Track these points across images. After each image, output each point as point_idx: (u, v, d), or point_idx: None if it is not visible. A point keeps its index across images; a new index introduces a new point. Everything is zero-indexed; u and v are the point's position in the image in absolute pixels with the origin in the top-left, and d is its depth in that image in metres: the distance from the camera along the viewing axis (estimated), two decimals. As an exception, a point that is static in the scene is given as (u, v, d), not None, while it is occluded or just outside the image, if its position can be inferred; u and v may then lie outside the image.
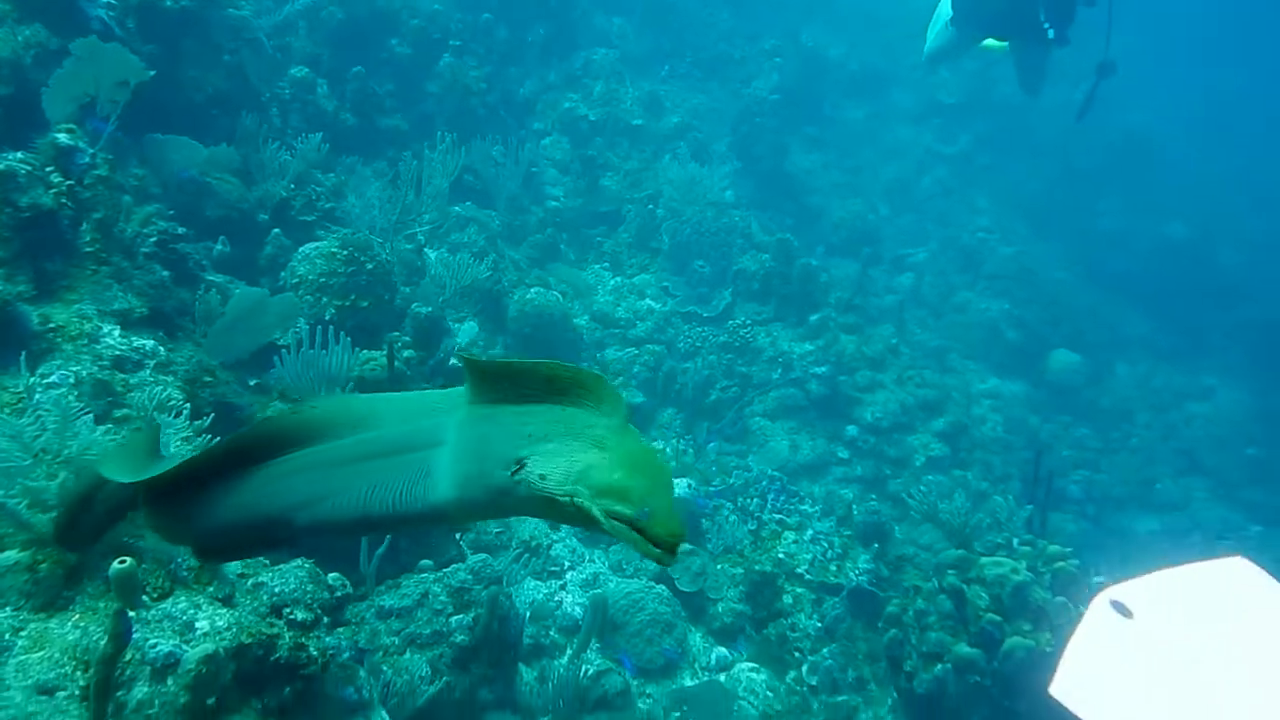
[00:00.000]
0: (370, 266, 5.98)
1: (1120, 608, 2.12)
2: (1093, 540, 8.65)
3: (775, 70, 13.12)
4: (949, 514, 5.93)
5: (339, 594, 4.05)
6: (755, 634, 6.48)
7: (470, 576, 4.99)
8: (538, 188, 10.05)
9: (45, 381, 3.64)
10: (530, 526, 6.42)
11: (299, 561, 3.72)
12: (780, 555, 6.92)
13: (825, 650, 6.33)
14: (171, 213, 5.51)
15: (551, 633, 5.87)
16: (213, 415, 3.95)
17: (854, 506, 7.62)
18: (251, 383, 5.05)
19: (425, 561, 5.14)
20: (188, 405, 3.90)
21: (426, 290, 6.75)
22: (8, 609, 2.79)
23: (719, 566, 6.72)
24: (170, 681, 2.85)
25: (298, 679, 3.30)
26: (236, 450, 2.12)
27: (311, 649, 3.39)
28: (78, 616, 2.86)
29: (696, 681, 5.96)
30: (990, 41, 8.86)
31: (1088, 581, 5.38)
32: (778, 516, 7.31)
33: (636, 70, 12.49)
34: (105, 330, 4.12)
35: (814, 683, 6.16)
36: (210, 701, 2.93)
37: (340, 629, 4.31)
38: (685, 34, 13.69)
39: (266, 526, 2.11)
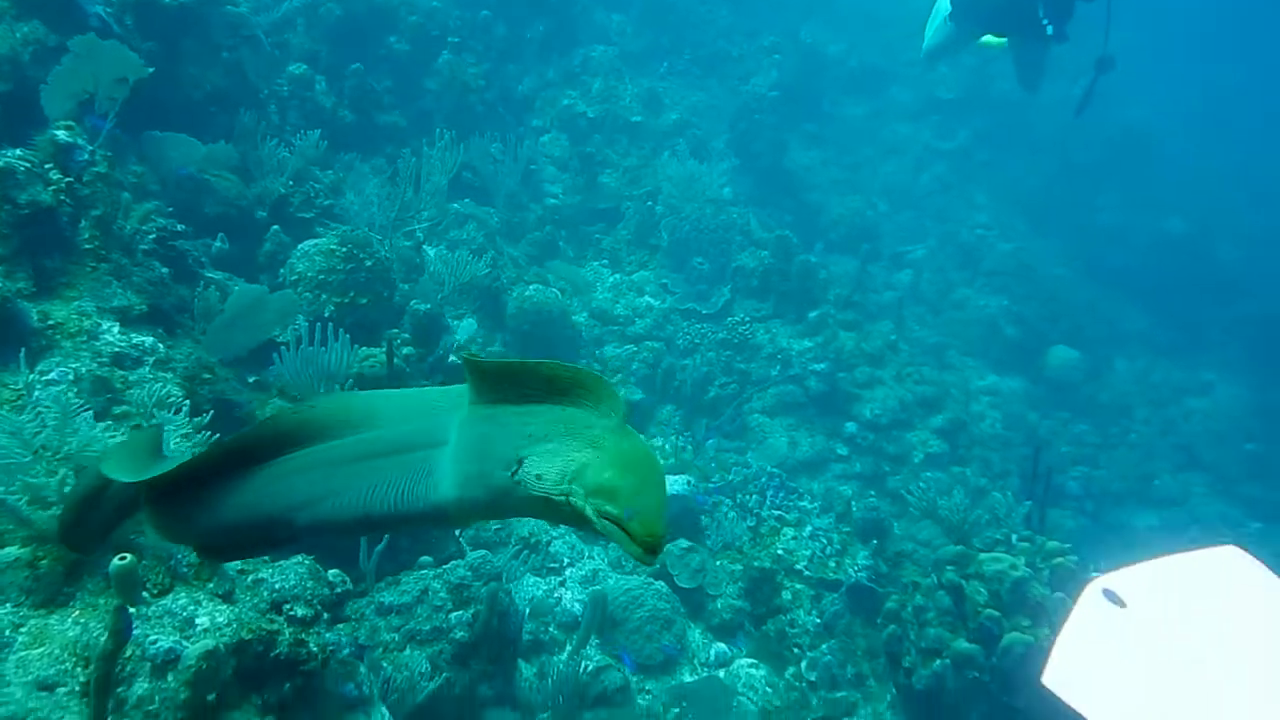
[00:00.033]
0: (369, 263, 5.98)
1: (1112, 596, 2.12)
2: (1092, 536, 8.66)
3: (774, 67, 13.11)
4: (948, 510, 5.94)
5: (339, 590, 4.06)
6: (754, 630, 6.49)
7: (470, 573, 5.00)
8: (536, 185, 10.05)
9: (45, 378, 3.64)
10: (529, 523, 6.43)
11: (299, 558, 3.73)
12: (779, 551, 6.94)
13: (824, 646, 6.34)
14: (170, 210, 5.51)
15: (551, 629, 5.87)
16: (212, 412, 3.96)
17: (853, 503, 7.63)
18: (250, 379, 5.05)
19: (425, 558, 5.15)
20: (187, 402, 3.91)
21: (425, 287, 6.75)
22: (8, 605, 2.80)
23: (718, 563, 6.73)
24: (171, 677, 2.86)
25: (298, 675, 3.30)
26: (238, 450, 2.12)
27: (312, 645, 3.39)
28: (78, 613, 2.87)
29: (696, 678, 5.97)
30: (989, 38, 8.85)
31: (1086, 577, 5.37)
32: (777, 513, 7.32)
33: (635, 67, 12.48)
34: (104, 327, 4.12)
35: (813, 679, 6.17)
36: (210, 697, 2.94)
37: (340, 625, 4.32)
38: (684, 31, 13.68)
39: (268, 526, 2.11)
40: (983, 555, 5.52)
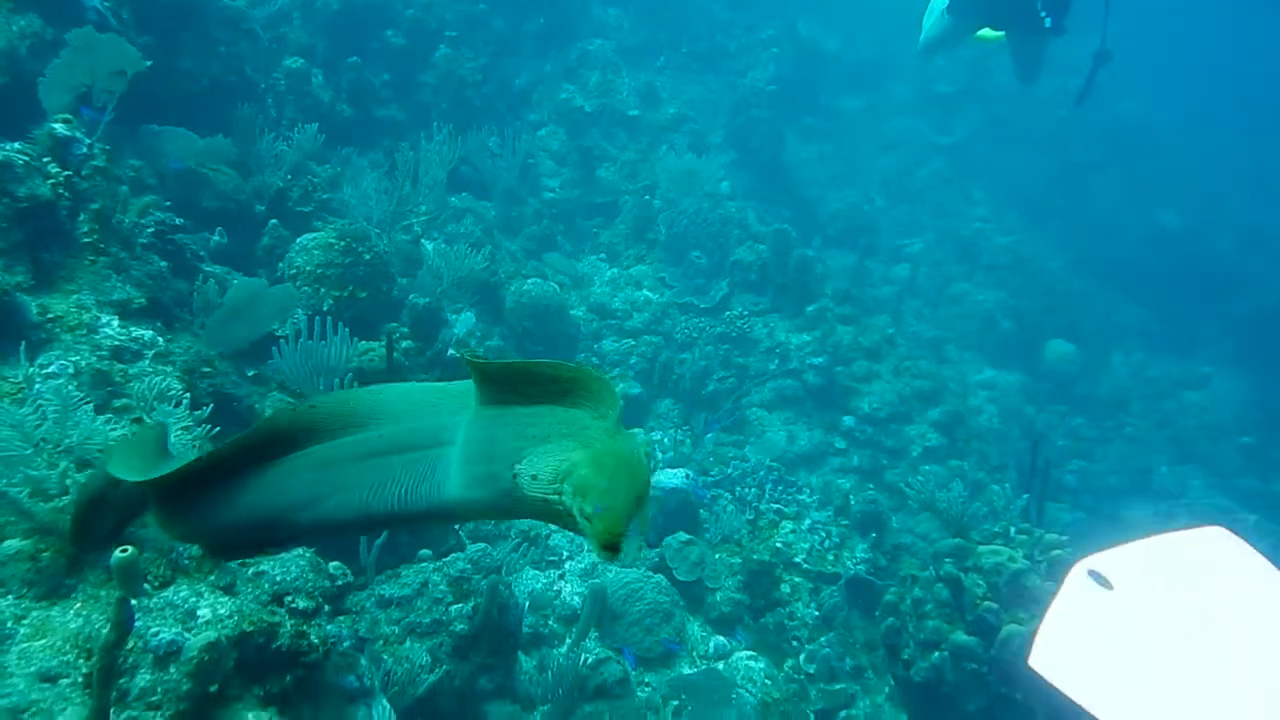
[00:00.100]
0: (368, 257, 5.97)
1: (1098, 577, 2.13)
2: (1089, 529, 8.68)
3: (772, 61, 13.11)
4: (946, 503, 5.94)
5: (340, 583, 4.06)
6: (753, 623, 6.51)
7: (469, 566, 5.01)
8: (534, 179, 10.04)
9: (45, 372, 3.64)
10: (528, 517, 6.42)
11: (300, 550, 3.73)
12: (778, 545, 6.95)
13: (823, 639, 6.37)
14: (168, 204, 5.50)
15: (550, 622, 5.88)
16: (211, 405, 3.96)
17: (851, 496, 7.64)
18: (250, 373, 5.04)
19: (424, 551, 5.16)
20: (187, 395, 3.91)
21: (424, 281, 6.74)
22: (10, 597, 2.80)
23: (717, 556, 6.74)
24: (173, 669, 2.86)
25: (299, 667, 3.31)
26: (244, 449, 2.13)
27: (313, 637, 3.39)
28: (80, 605, 2.88)
29: (695, 670, 5.99)
30: (986, 31, 8.85)
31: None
32: (775, 506, 7.34)
33: (632, 61, 12.47)
34: (104, 320, 4.12)
35: (812, 671, 6.20)
36: (212, 689, 2.95)
37: (340, 618, 4.32)
38: (681, 24, 13.67)
39: (275, 525, 2.12)
40: (981, 548, 5.54)
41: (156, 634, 2.89)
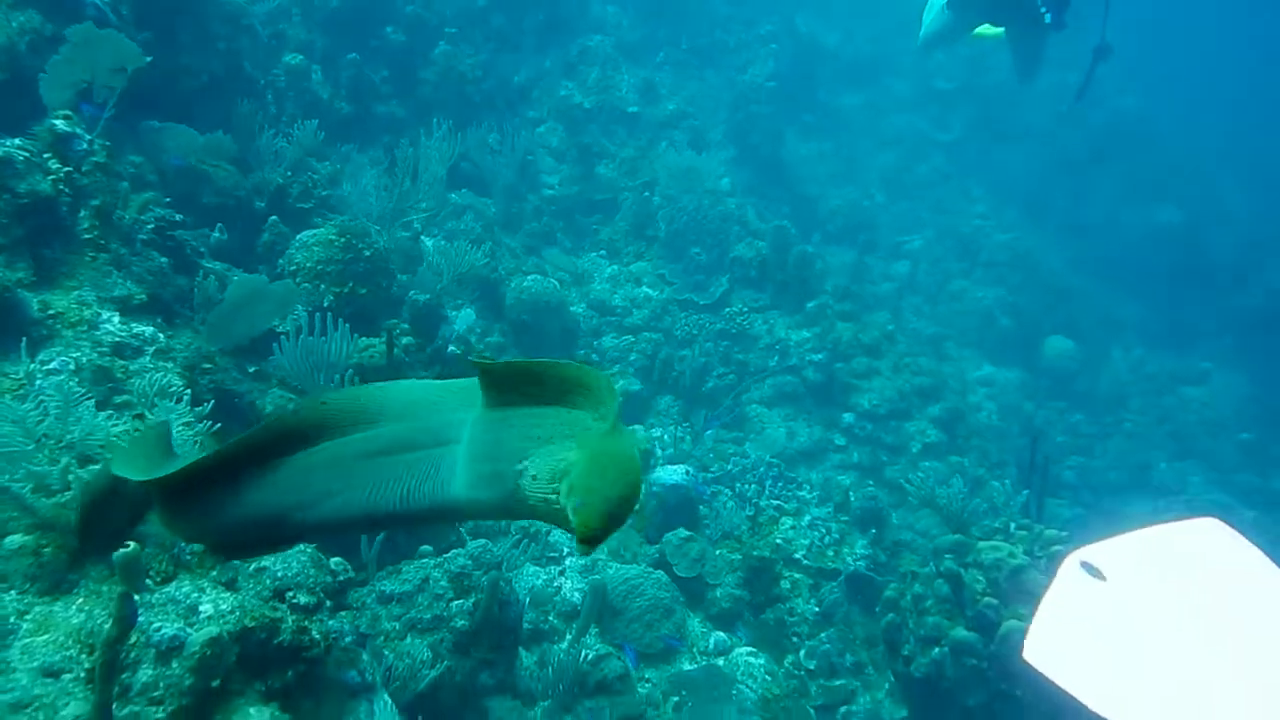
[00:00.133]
0: (368, 254, 5.97)
1: (1091, 569, 2.13)
2: (1089, 525, 8.69)
3: (771, 57, 13.09)
4: (947, 499, 5.95)
5: (341, 578, 4.06)
6: (753, 619, 6.52)
7: (470, 562, 5.01)
8: (534, 175, 10.03)
9: (46, 368, 3.64)
10: (529, 513, 6.43)
11: (301, 546, 3.73)
12: (778, 541, 6.97)
13: (823, 635, 6.38)
14: (168, 200, 5.49)
15: (551, 618, 5.89)
16: (213, 402, 3.96)
17: (851, 493, 7.65)
18: (251, 369, 5.04)
19: (425, 547, 5.16)
20: (188, 391, 3.90)
21: (424, 278, 6.74)
22: (12, 593, 2.80)
23: (717, 552, 6.75)
24: (175, 664, 2.87)
25: (301, 662, 3.31)
26: (249, 448, 2.13)
27: (314, 632, 3.40)
28: (82, 600, 2.88)
29: (695, 666, 5.99)
30: (985, 28, 8.84)
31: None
32: (775, 503, 7.35)
33: (632, 57, 12.46)
34: (105, 317, 4.12)
35: (812, 667, 6.21)
36: (214, 684, 2.95)
37: (342, 613, 4.33)
38: (681, 20, 13.65)
39: (280, 524, 2.12)
40: (981, 544, 5.54)
41: (159, 629, 2.89)
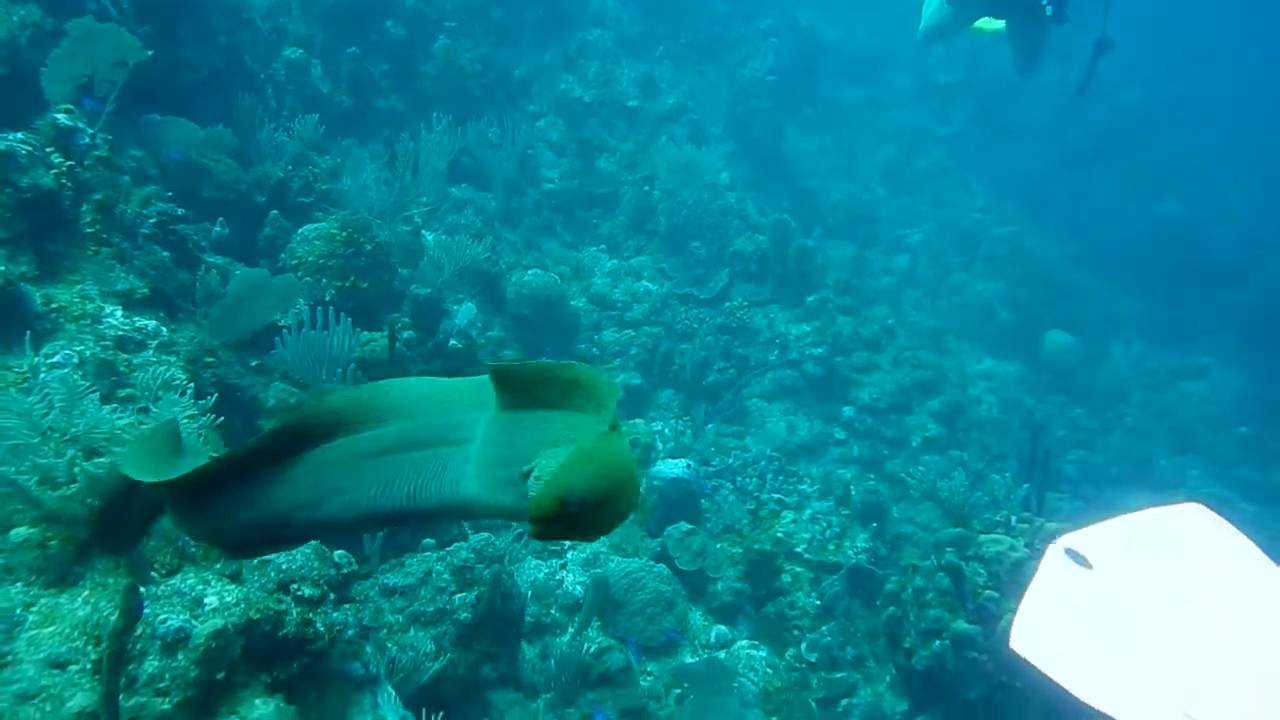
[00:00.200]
0: (369, 248, 5.98)
1: (1075, 556, 2.13)
2: (1089, 519, 8.69)
3: (771, 51, 13.08)
4: (948, 492, 5.96)
5: (345, 571, 4.07)
6: (755, 612, 6.53)
7: (473, 555, 5.02)
8: (534, 170, 10.03)
9: (50, 361, 3.65)
10: (530, 506, 6.43)
11: (305, 539, 3.74)
12: (779, 534, 6.98)
13: (824, 628, 6.39)
14: (169, 194, 5.49)
15: (553, 611, 5.90)
16: (216, 395, 3.96)
17: (852, 486, 7.66)
18: (253, 363, 5.05)
19: (428, 540, 5.17)
20: (191, 385, 3.91)
21: (425, 272, 6.75)
22: (19, 585, 2.81)
23: (718, 546, 6.76)
24: (180, 656, 2.88)
25: (305, 654, 3.32)
26: (264, 449, 2.14)
27: (319, 625, 3.41)
28: (88, 592, 2.88)
29: (697, 659, 6.01)
30: (984, 22, 8.83)
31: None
32: (776, 496, 7.36)
33: (631, 51, 12.45)
34: (108, 311, 4.12)
35: (813, 660, 6.22)
36: (219, 675, 2.96)
37: (346, 606, 4.34)
38: (680, 15, 13.63)
39: (293, 523, 2.13)
40: (982, 537, 5.55)
41: (164, 621, 2.90)
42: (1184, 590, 2.07)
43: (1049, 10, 7.64)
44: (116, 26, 5.35)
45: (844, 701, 6.07)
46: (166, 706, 2.79)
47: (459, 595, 4.83)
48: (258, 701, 3.05)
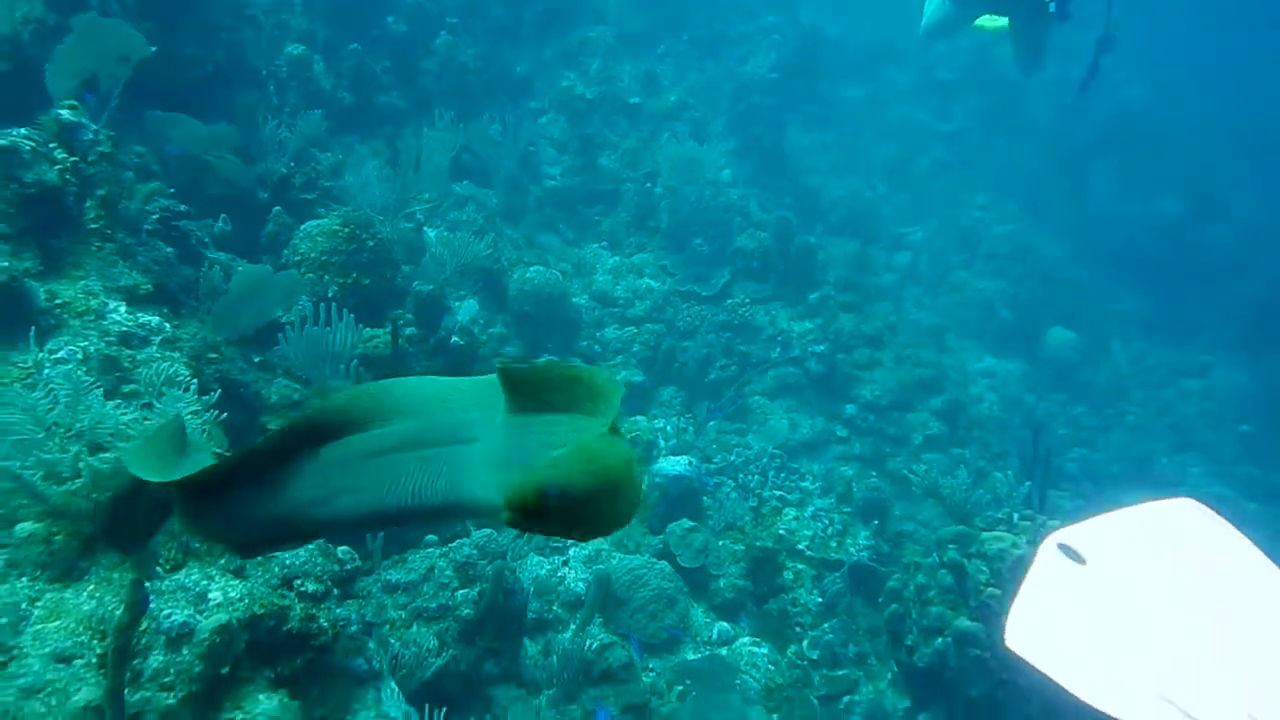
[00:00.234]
0: (372, 244, 5.98)
1: (1069, 551, 2.13)
2: (1091, 517, 8.71)
3: (773, 48, 13.08)
4: (950, 490, 5.96)
5: (349, 567, 4.08)
6: (756, 609, 6.54)
7: (475, 551, 5.03)
8: (535, 166, 10.03)
9: (54, 357, 3.65)
10: (533, 503, 6.43)
11: (309, 536, 3.74)
12: (781, 532, 6.98)
13: (826, 625, 6.40)
14: (172, 190, 5.50)
15: (555, 608, 5.90)
16: (219, 391, 3.96)
17: (854, 484, 7.66)
18: (256, 359, 5.06)
19: (430, 536, 5.18)
20: (195, 381, 3.91)
21: (427, 268, 6.75)
22: (24, 579, 2.82)
23: (720, 543, 6.76)
24: (185, 651, 2.88)
25: (309, 649, 3.33)
26: (272, 449, 2.14)
27: (322, 620, 3.42)
28: (93, 587, 2.89)
29: (699, 656, 6.01)
30: (986, 20, 8.81)
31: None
32: (778, 493, 7.37)
33: (633, 48, 12.44)
34: (111, 306, 4.12)
35: (815, 657, 6.23)
36: (224, 670, 2.97)
37: (349, 602, 4.34)
38: (682, 11, 13.62)
39: (300, 522, 2.14)
40: (984, 534, 5.55)
41: (169, 616, 2.91)
42: (1178, 585, 2.07)
43: (1052, 7, 7.61)
44: (120, 22, 5.36)
45: (846, 699, 6.07)
46: (171, 701, 2.80)
47: (461, 591, 4.84)
48: (262, 696, 3.06)
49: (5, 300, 3.73)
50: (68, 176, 4.24)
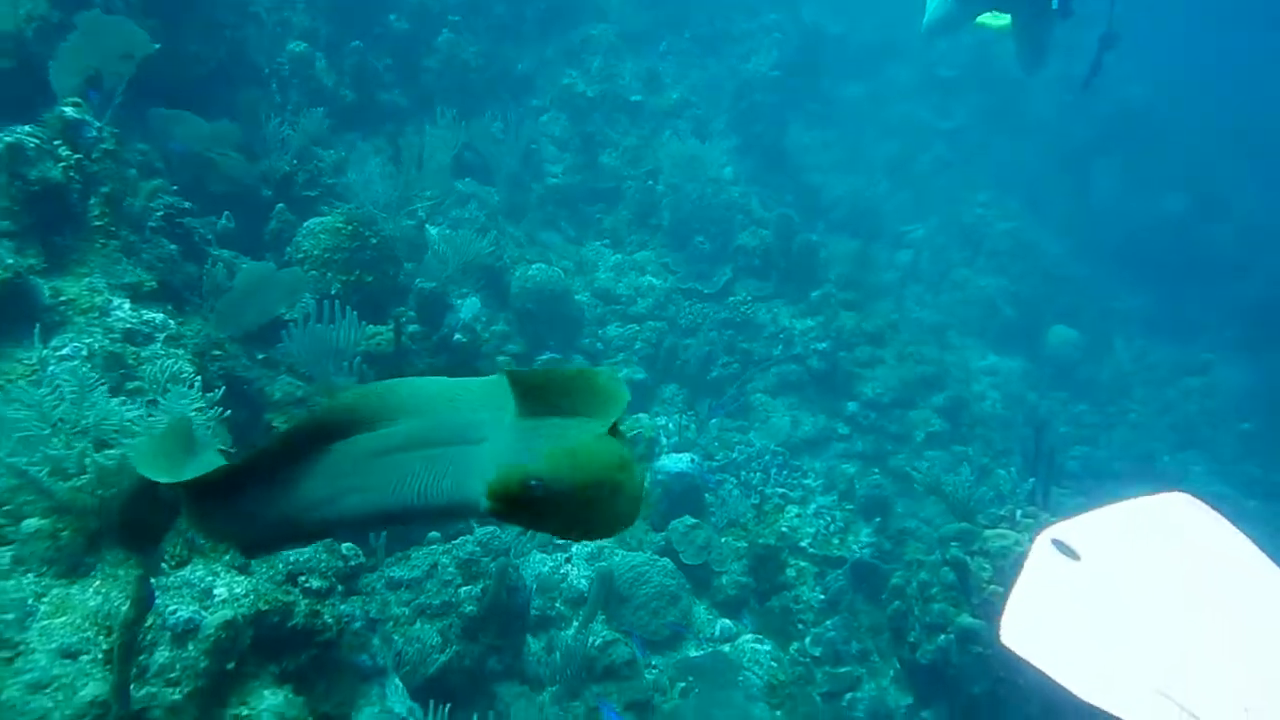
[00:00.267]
0: (374, 242, 5.99)
1: (1063, 547, 2.13)
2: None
3: (775, 46, 13.07)
4: (953, 487, 5.97)
5: (353, 563, 4.09)
6: (759, 606, 6.54)
7: (478, 548, 5.04)
8: (537, 164, 10.03)
9: (59, 354, 3.66)
10: (535, 500, 6.45)
11: (313, 532, 3.74)
12: (783, 529, 6.99)
13: (828, 622, 6.40)
14: (175, 187, 5.50)
15: (558, 604, 5.91)
16: (223, 388, 3.97)
17: (856, 481, 7.67)
18: (259, 356, 5.06)
19: (433, 534, 5.18)
20: (199, 378, 3.91)
21: (430, 266, 6.75)
22: (30, 575, 2.82)
23: (723, 540, 6.77)
24: (191, 646, 2.89)
25: (314, 645, 3.35)
26: (281, 450, 2.14)
27: (327, 616, 3.43)
28: (99, 583, 2.89)
29: (701, 652, 6.02)
30: (988, 17, 8.81)
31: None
32: (780, 491, 7.37)
33: (635, 46, 12.43)
34: (116, 303, 4.12)
35: (817, 654, 6.23)
36: (229, 666, 2.98)
37: (353, 598, 4.35)
38: (684, 9, 13.62)
39: (308, 521, 2.14)
40: (987, 531, 5.57)
41: (175, 612, 2.92)
42: (1172, 580, 2.07)
43: (1054, 4, 7.61)
44: (124, 19, 5.36)
45: (848, 695, 6.08)
46: (177, 697, 2.81)
47: (464, 588, 4.85)
48: (267, 692, 3.07)
49: (10, 297, 3.73)
50: (72, 174, 4.24)
